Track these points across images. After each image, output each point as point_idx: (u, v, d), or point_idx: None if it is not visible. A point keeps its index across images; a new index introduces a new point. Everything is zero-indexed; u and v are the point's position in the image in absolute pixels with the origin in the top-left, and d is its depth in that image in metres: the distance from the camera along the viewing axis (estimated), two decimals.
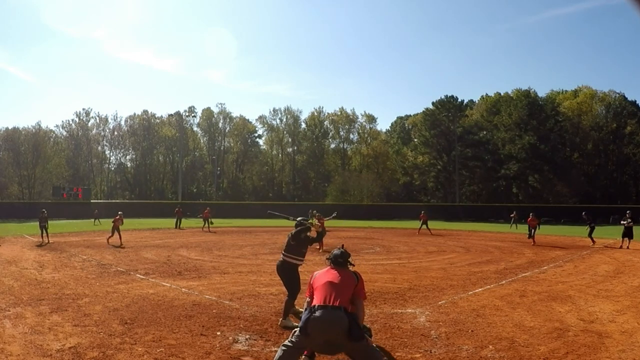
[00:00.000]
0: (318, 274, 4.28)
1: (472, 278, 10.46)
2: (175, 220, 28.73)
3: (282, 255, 6.50)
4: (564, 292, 8.79)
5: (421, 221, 26.08)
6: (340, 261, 4.31)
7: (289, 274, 6.42)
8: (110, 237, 17.61)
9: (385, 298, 8.07)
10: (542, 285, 9.56)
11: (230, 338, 5.62)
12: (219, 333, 5.82)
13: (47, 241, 17.53)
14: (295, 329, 3.92)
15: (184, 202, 49.87)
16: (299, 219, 6.77)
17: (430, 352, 5.17)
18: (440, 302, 7.79)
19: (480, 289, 9.05)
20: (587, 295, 8.49)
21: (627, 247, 17.49)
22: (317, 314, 3.78)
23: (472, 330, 6.03)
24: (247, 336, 5.72)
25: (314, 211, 17.30)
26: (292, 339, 3.82)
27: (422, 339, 5.65)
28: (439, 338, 5.69)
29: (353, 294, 4.10)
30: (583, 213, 20.09)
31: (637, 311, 7.20)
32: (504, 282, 10.00)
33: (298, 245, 6.43)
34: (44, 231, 17.99)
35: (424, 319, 6.64)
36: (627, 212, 18.82)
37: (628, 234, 17.81)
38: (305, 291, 4.45)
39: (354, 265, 4.45)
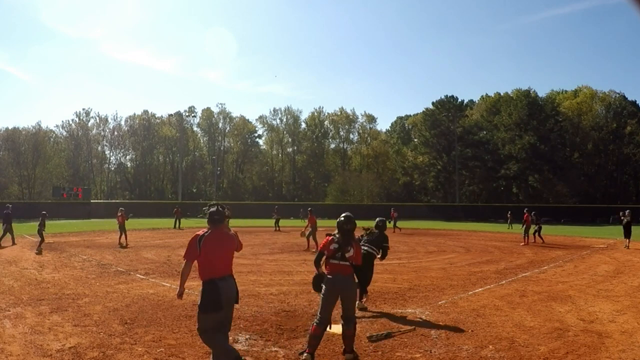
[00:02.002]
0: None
1: (472, 278, 10.47)
2: (174, 220, 28.66)
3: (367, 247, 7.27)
4: (564, 292, 8.79)
5: (392, 219, 26.75)
6: (216, 218, 4.35)
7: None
8: (120, 237, 17.53)
9: (385, 298, 8.07)
10: (542, 285, 9.56)
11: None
12: None
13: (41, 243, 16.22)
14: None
15: (184, 202, 49.85)
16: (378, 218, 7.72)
17: (430, 352, 5.16)
18: (440, 302, 7.79)
19: (480, 289, 9.05)
20: (587, 295, 8.49)
21: (627, 247, 17.51)
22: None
23: (472, 330, 6.03)
24: (247, 336, 5.72)
25: (309, 209, 17.34)
26: None
27: (422, 339, 5.65)
28: (439, 338, 5.69)
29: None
30: (532, 213, 20.41)
31: (637, 311, 7.20)
32: (504, 282, 10.00)
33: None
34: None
35: (424, 319, 6.64)
36: (627, 211, 18.85)
37: (626, 232, 17.88)
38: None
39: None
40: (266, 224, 32.87)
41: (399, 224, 27.77)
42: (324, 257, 5.09)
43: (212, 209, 4.38)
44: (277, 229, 27.87)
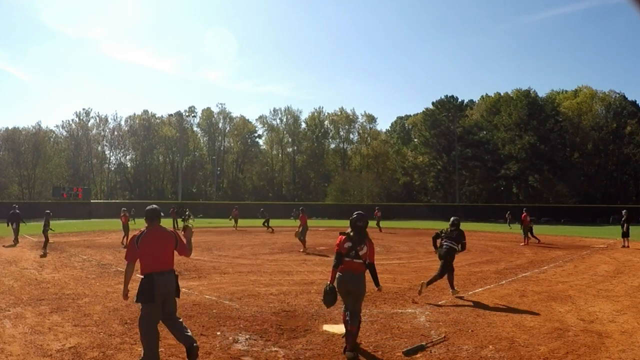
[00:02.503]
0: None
1: (472, 278, 10.47)
2: (172, 221, 28.39)
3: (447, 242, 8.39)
4: (564, 292, 8.79)
5: (376, 219, 27.07)
6: (150, 217, 4.70)
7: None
8: (124, 237, 17.39)
9: (385, 298, 8.06)
10: (542, 285, 9.56)
11: (230, 338, 5.61)
12: (219, 333, 5.82)
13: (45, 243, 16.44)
14: None
15: (184, 202, 49.84)
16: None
17: (430, 352, 5.16)
18: (440, 302, 7.78)
19: (480, 289, 9.05)
20: (587, 295, 8.49)
21: (627, 246, 17.52)
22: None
23: (472, 330, 6.03)
24: (247, 336, 5.71)
25: (302, 208, 17.29)
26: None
27: (422, 339, 5.65)
28: (439, 338, 5.69)
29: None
30: (507, 213, 20.61)
31: (637, 311, 7.20)
32: (504, 282, 10.00)
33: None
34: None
35: (424, 319, 6.64)
36: (623, 211, 18.85)
37: (624, 232, 17.94)
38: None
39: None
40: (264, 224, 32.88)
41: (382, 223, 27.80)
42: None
43: (148, 207, 4.80)
44: (269, 229, 27.12)
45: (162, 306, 4.45)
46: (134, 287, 4.57)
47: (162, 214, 4.84)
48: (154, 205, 4.84)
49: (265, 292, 8.49)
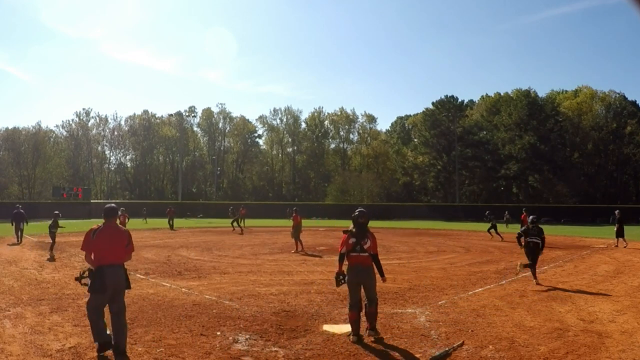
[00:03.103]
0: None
1: (472, 278, 10.46)
2: (167, 220, 27.75)
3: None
4: (564, 292, 8.79)
5: None
6: (107, 214, 5.05)
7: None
8: None
9: (385, 298, 8.05)
10: (542, 285, 9.56)
11: (230, 338, 5.61)
12: (219, 333, 5.82)
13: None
14: None
15: (184, 202, 49.88)
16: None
17: (431, 352, 5.16)
18: (440, 302, 7.78)
19: (480, 289, 9.05)
20: (587, 295, 8.49)
21: (624, 247, 17.45)
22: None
23: (472, 330, 6.02)
24: (247, 336, 5.71)
25: (295, 208, 17.34)
26: None
27: (422, 339, 5.65)
28: (439, 338, 5.69)
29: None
30: (486, 212, 21.83)
31: (637, 311, 7.20)
32: (504, 282, 9.99)
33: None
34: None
35: (424, 319, 6.64)
36: (616, 211, 18.80)
37: (618, 232, 17.90)
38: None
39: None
40: (266, 224, 32.90)
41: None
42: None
43: (107, 205, 5.17)
44: (237, 228, 25.98)
45: (112, 297, 4.79)
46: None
47: (119, 212, 5.16)
48: (112, 204, 5.25)
49: (265, 292, 8.48)
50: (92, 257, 4.84)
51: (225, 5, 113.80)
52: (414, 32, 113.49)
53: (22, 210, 18.53)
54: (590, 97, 63.22)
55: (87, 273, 4.94)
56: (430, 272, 11.32)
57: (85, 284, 4.91)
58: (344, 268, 5.75)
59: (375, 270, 5.65)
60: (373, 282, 5.64)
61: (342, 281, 5.72)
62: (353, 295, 5.58)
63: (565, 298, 8.18)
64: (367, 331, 5.60)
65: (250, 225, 30.48)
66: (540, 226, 9.96)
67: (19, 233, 18.05)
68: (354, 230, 5.66)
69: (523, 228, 10.60)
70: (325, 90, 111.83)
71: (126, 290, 4.95)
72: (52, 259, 13.28)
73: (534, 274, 9.70)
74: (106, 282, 4.69)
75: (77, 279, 5.18)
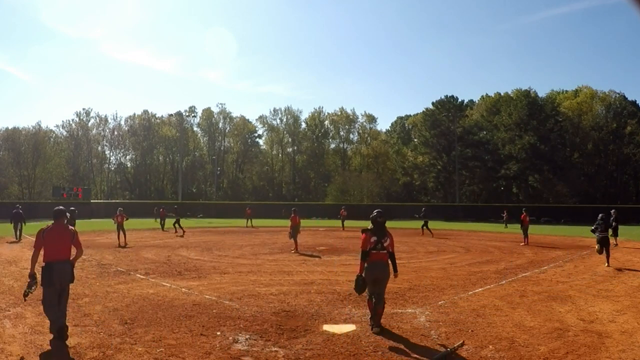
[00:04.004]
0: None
1: (472, 278, 10.46)
2: (159, 220, 26.85)
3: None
4: (564, 292, 8.79)
5: (341, 217, 27.97)
6: (56, 215, 5.62)
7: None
8: (119, 237, 17.32)
9: (385, 298, 8.05)
10: (542, 285, 9.56)
11: (230, 338, 5.61)
12: (219, 333, 5.82)
13: None
14: None
15: (184, 202, 49.85)
16: None
17: (431, 352, 5.16)
18: (440, 302, 7.78)
19: (480, 289, 9.05)
20: (587, 295, 8.49)
21: (616, 245, 17.36)
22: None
23: (472, 330, 6.03)
24: (247, 336, 5.71)
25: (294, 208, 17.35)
26: None
27: (422, 339, 5.65)
28: (439, 338, 5.69)
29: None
30: (423, 209, 24.17)
31: (637, 311, 7.20)
32: (504, 282, 10.00)
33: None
34: None
35: (424, 319, 6.64)
36: (612, 210, 18.73)
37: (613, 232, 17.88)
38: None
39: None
40: (266, 224, 32.89)
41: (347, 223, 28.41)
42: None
43: (56, 208, 5.74)
44: (180, 230, 23.49)
45: (61, 288, 5.39)
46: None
47: (67, 214, 5.95)
48: (61, 207, 5.82)
49: (265, 292, 8.48)
50: (43, 253, 5.41)
51: (225, 5, 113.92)
52: (414, 32, 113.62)
53: (20, 211, 19.42)
54: (590, 97, 63.20)
55: (27, 290, 5.50)
56: (430, 272, 11.33)
57: (29, 292, 5.49)
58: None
59: (390, 269, 6.05)
60: (387, 278, 6.03)
61: (363, 286, 5.93)
62: (373, 289, 5.97)
63: (565, 298, 8.18)
64: (373, 328, 5.91)
65: (251, 225, 30.47)
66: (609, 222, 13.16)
67: (18, 232, 18.87)
68: (372, 229, 6.02)
69: (596, 224, 13.21)
70: (325, 90, 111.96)
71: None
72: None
73: (607, 259, 12.70)
74: (54, 277, 5.28)
75: (25, 295, 5.60)
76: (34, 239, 5.58)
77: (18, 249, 15.92)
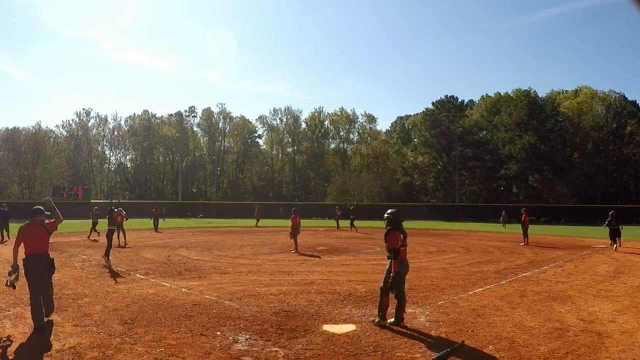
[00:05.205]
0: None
1: (472, 278, 10.46)
2: (152, 221, 26.26)
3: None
4: (564, 292, 8.78)
5: (336, 218, 28.62)
6: (32, 213, 6.19)
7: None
8: (119, 237, 16.98)
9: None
10: (542, 285, 9.56)
11: (230, 338, 5.61)
12: (219, 333, 5.82)
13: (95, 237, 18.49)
14: None
15: (184, 202, 49.86)
16: None
17: (431, 352, 5.16)
18: (440, 302, 7.78)
19: (480, 289, 9.04)
20: (587, 295, 8.49)
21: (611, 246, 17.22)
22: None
23: (472, 330, 6.02)
24: (247, 336, 5.71)
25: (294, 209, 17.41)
26: None
27: (422, 339, 5.64)
28: (439, 338, 5.69)
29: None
30: (351, 207, 26.15)
31: (637, 311, 7.20)
32: (504, 282, 9.99)
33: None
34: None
35: (424, 319, 6.64)
36: (611, 212, 18.58)
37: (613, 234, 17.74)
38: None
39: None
40: (266, 224, 32.88)
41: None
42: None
43: (34, 207, 6.29)
44: (94, 232, 20.91)
45: (40, 278, 6.00)
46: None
47: (47, 213, 6.43)
48: (39, 206, 6.36)
49: (265, 292, 8.48)
50: (24, 247, 6.02)
51: (225, 5, 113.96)
52: (414, 32, 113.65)
53: (6, 209, 19.58)
54: (590, 97, 63.21)
55: (8, 279, 6.16)
56: (430, 272, 11.32)
57: (12, 283, 6.15)
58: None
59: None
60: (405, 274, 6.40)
61: (401, 284, 6.17)
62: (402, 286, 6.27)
63: (565, 298, 8.17)
64: (394, 319, 6.19)
65: (250, 225, 30.48)
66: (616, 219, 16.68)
67: (4, 232, 18.87)
68: (397, 226, 6.30)
69: (607, 220, 17.01)
70: (325, 90, 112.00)
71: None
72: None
73: (616, 248, 16.02)
74: (31, 267, 5.94)
75: (7, 284, 6.20)
76: (16, 236, 6.16)
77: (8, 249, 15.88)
